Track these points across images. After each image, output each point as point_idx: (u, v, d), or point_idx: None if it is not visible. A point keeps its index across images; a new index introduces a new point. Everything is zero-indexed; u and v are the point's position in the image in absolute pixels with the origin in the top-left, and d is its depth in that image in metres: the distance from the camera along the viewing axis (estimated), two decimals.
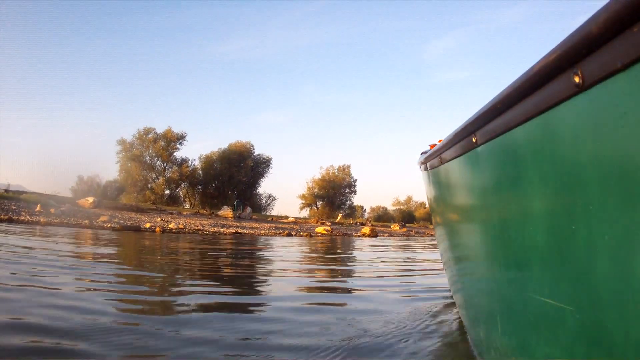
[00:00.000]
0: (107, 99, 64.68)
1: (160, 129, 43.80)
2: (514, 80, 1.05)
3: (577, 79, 0.79)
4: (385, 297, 4.54)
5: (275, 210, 49.79)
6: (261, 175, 48.99)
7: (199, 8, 67.28)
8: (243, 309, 3.62)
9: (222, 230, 21.87)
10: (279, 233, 23.75)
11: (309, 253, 11.56)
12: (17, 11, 56.79)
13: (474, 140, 1.47)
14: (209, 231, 20.74)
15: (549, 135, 0.95)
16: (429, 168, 2.65)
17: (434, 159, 2.36)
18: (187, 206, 42.91)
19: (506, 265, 1.34)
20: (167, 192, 43.50)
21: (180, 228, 20.14)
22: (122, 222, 19.66)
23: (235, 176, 44.75)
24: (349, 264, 8.95)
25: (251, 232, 23.02)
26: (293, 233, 24.60)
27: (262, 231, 24.08)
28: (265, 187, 67.73)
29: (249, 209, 34.57)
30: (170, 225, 20.42)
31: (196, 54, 68.35)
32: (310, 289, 5.00)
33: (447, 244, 2.71)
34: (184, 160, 44.74)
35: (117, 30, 63.47)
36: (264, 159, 49.14)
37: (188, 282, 4.91)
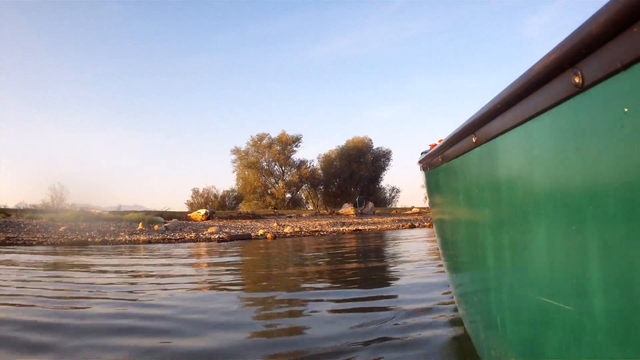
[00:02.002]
0: (217, 111, 67.11)
1: (274, 134, 43.92)
2: (514, 80, 1.06)
3: (577, 79, 0.80)
4: None
5: (400, 203, 48.37)
6: (382, 168, 47.80)
7: (298, 14, 67.44)
8: None
9: (341, 229, 21.66)
10: (402, 226, 23.39)
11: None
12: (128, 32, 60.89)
13: (474, 140, 1.50)
14: (326, 231, 20.73)
15: (549, 135, 0.97)
16: (429, 168, 2.70)
17: (434, 159, 2.40)
18: (310, 207, 42.15)
19: (506, 265, 1.36)
20: (288, 195, 43.00)
21: (296, 231, 20.06)
22: (232, 231, 18.76)
23: (356, 172, 43.72)
24: None
25: (372, 227, 23.02)
26: (416, 224, 24.20)
27: (385, 225, 23.81)
28: (388, 180, 65.47)
29: (370, 204, 33.29)
30: (286, 230, 19.77)
31: (300, 57, 68.60)
32: None
33: (447, 244, 2.74)
34: (302, 162, 44.57)
35: (216, 44, 65.59)
36: (384, 151, 47.98)
37: None
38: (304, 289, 5.20)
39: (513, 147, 1.18)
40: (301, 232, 19.70)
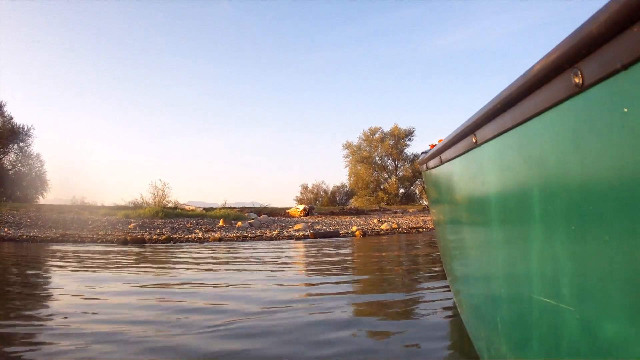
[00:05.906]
0: (330, 106, 67.79)
1: (386, 128, 42.93)
2: (514, 80, 1.06)
3: (577, 79, 0.80)
4: None
5: None
6: None
7: (415, 7, 65.99)
8: None
9: None
10: None
11: None
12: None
13: (474, 140, 1.49)
14: (427, 228, 19.63)
15: (549, 135, 0.96)
16: (429, 168, 2.68)
17: (434, 159, 2.39)
18: (425, 203, 40.47)
19: (506, 265, 1.35)
20: (402, 190, 41.61)
21: (393, 228, 19.19)
22: (324, 228, 18.41)
23: None
24: None
25: None
26: None
27: None
28: None
29: None
30: (382, 227, 18.82)
31: (415, 51, 66.93)
32: None
33: (447, 244, 2.76)
34: (416, 156, 42.27)
35: (332, 40, 66.36)
36: None
37: None
38: None
39: (513, 148, 1.17)
40: (399, 228, 19.02)
